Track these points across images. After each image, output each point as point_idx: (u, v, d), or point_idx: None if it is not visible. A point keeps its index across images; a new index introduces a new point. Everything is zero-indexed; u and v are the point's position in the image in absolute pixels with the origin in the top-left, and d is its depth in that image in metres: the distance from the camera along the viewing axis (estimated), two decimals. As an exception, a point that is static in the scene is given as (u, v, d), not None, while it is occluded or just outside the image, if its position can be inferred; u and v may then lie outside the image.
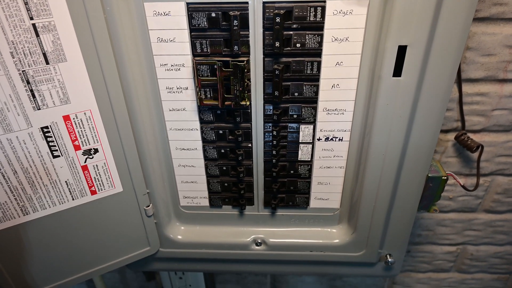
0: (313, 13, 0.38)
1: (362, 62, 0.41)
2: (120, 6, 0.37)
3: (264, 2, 0.38)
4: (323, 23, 0.38)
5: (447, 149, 0.58)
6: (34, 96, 0.37)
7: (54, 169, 0.42)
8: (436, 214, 0.67)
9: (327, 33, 0.39)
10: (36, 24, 0.34)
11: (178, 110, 0.45)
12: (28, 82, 0.36)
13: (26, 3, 0.33)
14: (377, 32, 0.38)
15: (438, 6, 0.35)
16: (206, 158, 0.49)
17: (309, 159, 0.49)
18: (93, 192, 0.45)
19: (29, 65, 0.36)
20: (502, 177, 0.61)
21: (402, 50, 0.37)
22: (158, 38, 0.40)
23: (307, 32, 0.39)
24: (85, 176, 0.44)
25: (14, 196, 0.41)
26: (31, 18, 0.34)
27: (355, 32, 0.39)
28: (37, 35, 0.35)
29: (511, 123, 0.55)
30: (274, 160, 0.48)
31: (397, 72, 0.38)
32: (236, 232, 0.55)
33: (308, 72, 0.42)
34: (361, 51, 0.40)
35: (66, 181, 0.43)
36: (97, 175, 0.44)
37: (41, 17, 0.34)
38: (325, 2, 0.37)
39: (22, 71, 0.36)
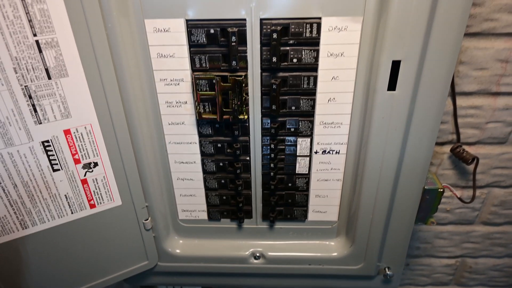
0: (309, 29, 0.39)
1: (357, 76, 0.42)
2: (121, 23, 0.38)
3: (261, 19, 0.39)
4: (319, 39, 0.40)
5: (443, 162, 0.58)
6: (35, 111, 0.38)
7: (54, 182, 0.42)
8: (434, 226, 0.67)
9: (323, 49, 0.40)
10: (40, 41, 0.35)
11: (177, 124, 0.46)
12: (30, 97, 0.37)
13: (30, 20, 0.34)
14: (371, 47, 0.39)
15: (430, 22, 0.36)
16: (204, 171, 0.49)
17: (307, 172, 0.49)
18: (92, 206, 0.46)
19: (31, 80, 0.36)
20: (498, 189, 0.62)
21: (396, 65, 0.38)
22: (158, 54, 0.41)
23: (304, 48, 0.40)
24: (84, 190, 0.44)
25: (14, 210, 0.42)
26: (35, 35, 0.35)
27: (350, 47, 0.40)
28: (40, 51, 0.36)
29: (505, 136, 0.55)
30: (272, 173, 0.49)
31: (392, 86, 0.39)
32: (235, 246, 0.55)
33: (304, 86, 0.42)
34: (356, 66, 0.41)
35: (65, 195, 0.44)
36: (96, 189, 0.45)
37: (45, 33, 0.35)
38: (320, 18, 0.38)
39: (25, 86, 0.36)
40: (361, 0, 0.37)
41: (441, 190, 0.48)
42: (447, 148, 0.57)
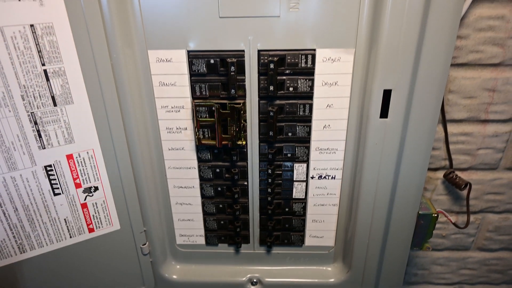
0: (304, 60, 0.41)
1: (351, 104, 0.43)
2: (126, 53, 0.40)
3: (259, 50, 0.41)
4: (314, 69, 0.41)
5: (437, 187, 0.59)
6: (40, 136, 0.39)
7: (54, 206, 0.43)
8: (430, 252, 0.67)
9: (318, 78, 0.42)
10: (47, 70, 0.37)
11: (177, 149, 0.47)
12: (35, 123, 0.38)
13: (39, 51, 0.36)
14: (364, 77, 0.41)
15: (418, 53, 0.38)
16: (203, 196, 0.50)
17: (303, 197, 0.50)
18: (91, 230, 0.46)
19: (37, 107, 0.38)
20: (492, 215, 0.62)
21: (387, 94, 0.40)
22: (160, 82, 0.43)
23: (299, 77, 0.42)
24: (84, 214, 0.45)
25: (13, 233, 0.42)
26: (43, 64, 0.36)
27: (344, 77, 0.42)
28: (48, 79, 0.37)
29: (496, 162, 0.57)
30: (269, 198, 0.50)
31: (384, 113, 0.41)
32: (232, 271, 0.55)
33: (300, 113, 0.44)
34: (349, 94, 0.43)
35: (65, 219, 0.44)
36: (95, 213, 0.45)
37: (53, 63, 0.37)
38: (315, 50, 0.41)
39: (31, 112, 0.38)
40: (353, 33, 0.39)
41: (435, 215, 0.49)
42: (440, 174, 0.58)
